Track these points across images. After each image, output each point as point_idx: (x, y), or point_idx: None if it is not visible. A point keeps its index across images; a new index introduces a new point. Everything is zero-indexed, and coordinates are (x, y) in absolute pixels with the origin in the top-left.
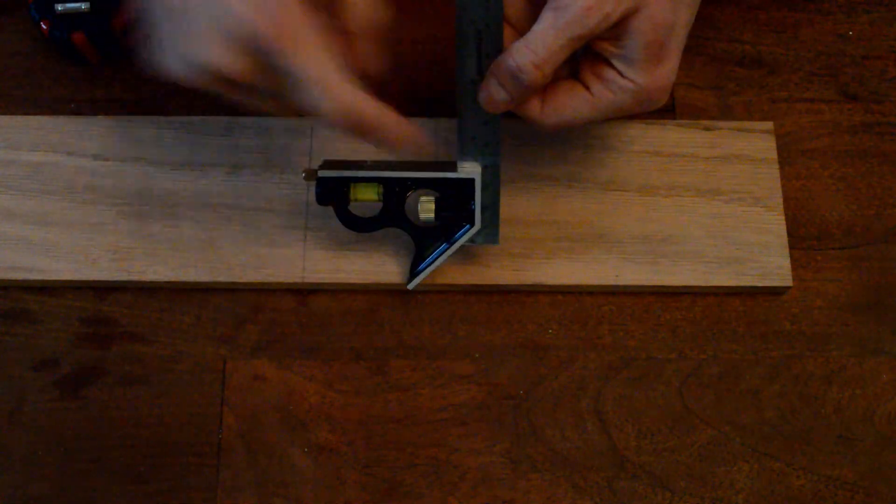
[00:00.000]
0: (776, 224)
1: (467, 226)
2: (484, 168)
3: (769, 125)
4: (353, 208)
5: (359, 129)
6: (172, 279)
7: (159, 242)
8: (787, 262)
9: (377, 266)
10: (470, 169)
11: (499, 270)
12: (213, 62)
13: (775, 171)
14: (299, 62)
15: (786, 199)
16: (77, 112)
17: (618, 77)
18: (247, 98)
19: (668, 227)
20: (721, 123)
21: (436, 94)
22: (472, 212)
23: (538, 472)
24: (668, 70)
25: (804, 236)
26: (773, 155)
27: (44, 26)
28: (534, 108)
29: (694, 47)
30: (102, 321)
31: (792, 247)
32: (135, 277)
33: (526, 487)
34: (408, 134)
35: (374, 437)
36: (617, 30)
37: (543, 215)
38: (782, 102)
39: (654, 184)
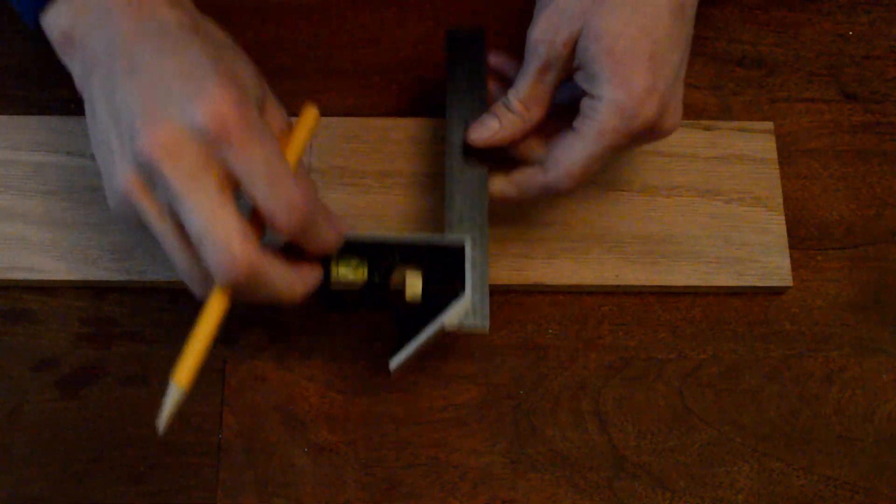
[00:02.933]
0: (776, 224)
1: (455, 300)
2: (473, 246)
3: (769, 125)
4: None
5: (253, 287)
6: (172, 279)
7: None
8: (787, 262)
9: None
10: (459, 239)
11: (499, 270)
12: (123, 188)
13: (775, 171)
14: (193, 204)
15: (786, 199)
16: (77, 112)
17: (588, 99)
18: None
19: (668, 227)
20: (721, 123)
21: (434, 94)
22: (461, 285)
23: (538, 472)
24: (644, 79)
25: (804, 236)
26: (773, 155)
27: None
28: (537, 177)
29: (694, 47)
30: (102, 321)
31: (792, 247)
32: (135, 277)
33: (526, 487)
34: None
35: (374, 437)
36: (575, 53)
37: (543, 215)
38: (782, 102)
39: (654, 184)
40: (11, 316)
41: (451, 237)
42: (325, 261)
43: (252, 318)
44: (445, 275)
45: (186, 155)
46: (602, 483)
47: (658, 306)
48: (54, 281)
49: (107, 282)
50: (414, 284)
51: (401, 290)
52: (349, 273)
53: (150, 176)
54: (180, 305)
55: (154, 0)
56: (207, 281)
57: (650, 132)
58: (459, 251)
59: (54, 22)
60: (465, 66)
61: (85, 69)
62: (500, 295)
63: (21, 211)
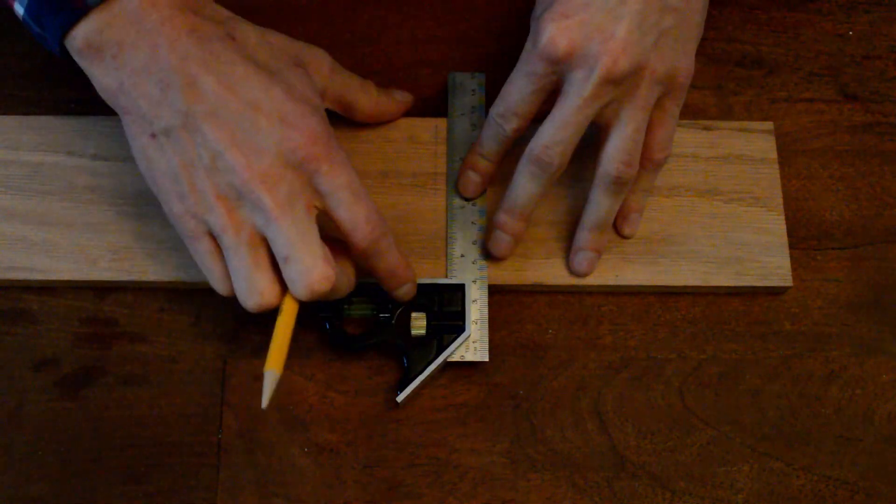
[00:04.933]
0: (776, 224)
1: (457, 335)
2: (472, 283)
3: (769, 125)
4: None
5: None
6: (172, 279)
7: (159, 242)
8: (787, 262)
9: None
10: (460, 282)
11: (499, 270)
12: (205, 202)
13: (775, 171)
14: (283, 227)
15: (786, 199)
16: (77, 112)
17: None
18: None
19: (668, 227)
20: (721, 123)
21: (435, 94)
22: (463, 321)
23: (538, 472)
24: (553, 24)
25: (804, 236)
26: (773, 155)
27: None
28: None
29: None
30: (102, 321)
31: (792, 247)
32: (135, 277)
33: (526, 487)
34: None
35: (374, 437)
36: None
37: (543, 215)
38: (782, 102)
39: (654, 184)
40: (11, 316)
41: (452, 279)
42: (336, 304)
43: (252, 317)
44: (448, 307)
45: (283, 185)
46: (602, 483)
47: (658, 306)
48: (54, 281)
49: (107, 282)
50: (419, 324)
51: (406, 327)
52: (358, 312)
53: (241, 199)
54: (180, 305)
55: (186, 14)
56: (262, 290)
57: (593, 68)
58: (460, 289)
59: (78, 34)
60: (466, 107)
61: (120, 82)
62: (500, 295)
63: (21, 211)
